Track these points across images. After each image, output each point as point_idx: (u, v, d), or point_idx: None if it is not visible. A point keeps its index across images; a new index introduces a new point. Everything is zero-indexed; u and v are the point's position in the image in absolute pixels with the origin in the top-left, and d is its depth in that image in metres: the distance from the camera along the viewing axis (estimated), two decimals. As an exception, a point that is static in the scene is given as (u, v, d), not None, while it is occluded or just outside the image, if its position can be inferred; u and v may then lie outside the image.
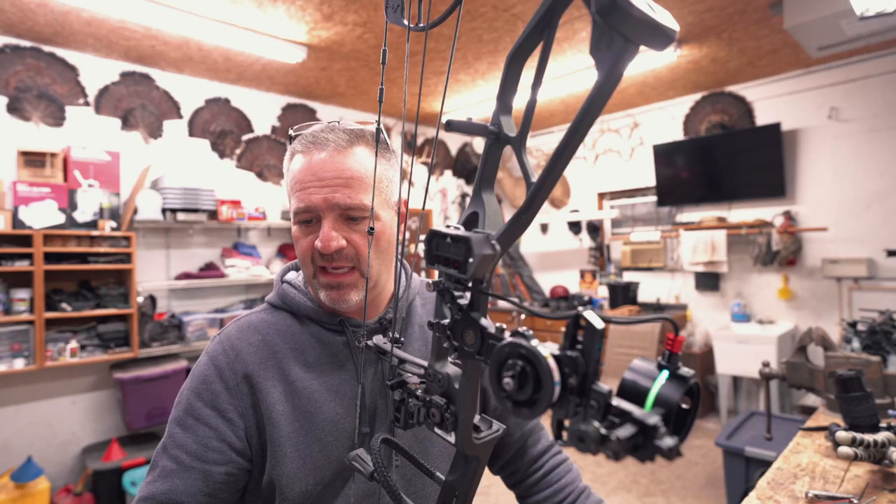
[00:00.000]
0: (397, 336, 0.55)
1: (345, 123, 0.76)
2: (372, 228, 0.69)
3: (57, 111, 3.11)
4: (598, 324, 0.29)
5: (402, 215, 0.68)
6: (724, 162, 4.14)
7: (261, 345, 0.75)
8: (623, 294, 4.52)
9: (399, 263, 0.65)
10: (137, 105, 3.42)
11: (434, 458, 0.79)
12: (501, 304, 4.72)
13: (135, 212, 3.13)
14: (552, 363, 0.29)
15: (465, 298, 0.38)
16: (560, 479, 0.89)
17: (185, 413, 0.72)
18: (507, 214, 3.44)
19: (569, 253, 5.37)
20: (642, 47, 0.27)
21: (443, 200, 5.47)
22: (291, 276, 0.85)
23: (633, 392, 0.31)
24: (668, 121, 4.59)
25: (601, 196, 5.17)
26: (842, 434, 1.07)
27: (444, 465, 0.79)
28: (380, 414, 0.76)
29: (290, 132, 0.78)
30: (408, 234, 4.32)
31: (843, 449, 1.05)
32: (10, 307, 2.77)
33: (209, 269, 3.59)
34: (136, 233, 3.24)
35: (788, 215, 3.91)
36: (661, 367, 0.32)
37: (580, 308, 0.30)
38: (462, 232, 0.36)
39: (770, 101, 4.04)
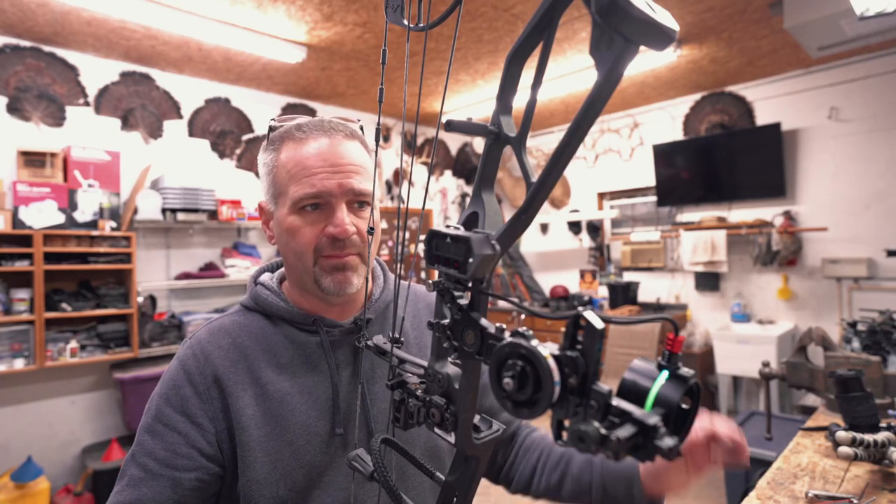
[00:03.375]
0: (397, 336, 0.55)
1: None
2: (372, 228, 0.69)
3: (57, 111, 3.11)
4: (598, 324, 0.29)
5: (402, 215, 0.68)
6: (724, 162, 4.14)
7: (231, 348, 0.74)
8: (623, 294, 4.52)
9: (399, 266, 0.65)
10: (137, 105, 3.42)
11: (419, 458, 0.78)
12: (501, 304, 4.72)
13: (135, 212, 3.13)
14: (552, 363, 0.29)
15: (465, 298, 0.38)
16: (534, 443, 0.90)
17: (154, 419, 0.70)
18: (507, 214, 3.43)
19: (569, 253, 5.37)
20: (642, 47, 0.27)
21: (443, 200, 5.47)
22: (265, 277, 0.84)
23: (633, 392, 0.31)
24: (668, 121, 4.59)
25: (601, 196, 5.17)
26: (842, 434, 1.07)
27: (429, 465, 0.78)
28: (356, 416, 0.74)
29: (272, 123, 0.77)
30: (408, 234, 4.33)
31: (843, 449, 1.05)
32: (10, 307, 2.77)
33: (209, 269, 3.59)
34: (136, 233, 3.24)
35: (788, 215, 3.91)
36: (661, 367, 0.32)
37: (580, 308, 0.30)
38: (462, 232, 0.36)
39: (770, 101, 4.04)
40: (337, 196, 0.71)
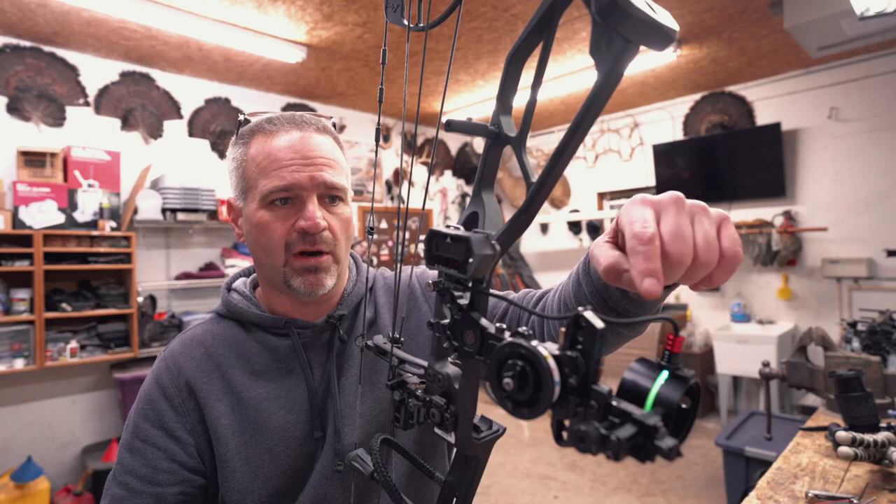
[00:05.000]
0: (397, 336, 0.55)
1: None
2: (372, 229, 0.68)
3: (57, 111, 3.11)
4: (599, 324, 0.29)
5: (402, 215, 0.68)
6: (724, 162, 4.14)
7: (203, 358, 0.73)
8: (623, 294, 4.52)
9: (399, 266, 0.64)
10: (137, 105, 3.43)
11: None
12: (501, 304, 4.71)
13: (135, 212, 3.13)
14: (552, 363, 0.29)
15: (464, 298, 0.38)
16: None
17: (133, 436, 0.69)
18: (507, 214, 3.44)
19: (569, 253, 5.37)
20: (642, 47, 0.27)
21: (443, 200, 5.47)
22: (238, 283, 0.82)
23: (633, 392, 0.31)
24: (668, 121, 4.59)
25: (601, 196, 5.17)
26: (842, 434, 1.07)
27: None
28: (331, 416, 0.72)
29: (241, 118, 0.76)
30: (408, 234, 4.32)
31: (843, 449, 1.05)
32: (10, 307, 2.77)
33: (209, 269, 3.59)
34: (136, 233, 3.24)
35: (788, 215, 3.91)
36: (661, 367, 0.32)
37: (580, 308, 0.30)
38: (462, 232, 0.36)
39: (770, 101, 4.04)
40: (308, 189, 0.69)
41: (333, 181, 0.70)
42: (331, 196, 0.72)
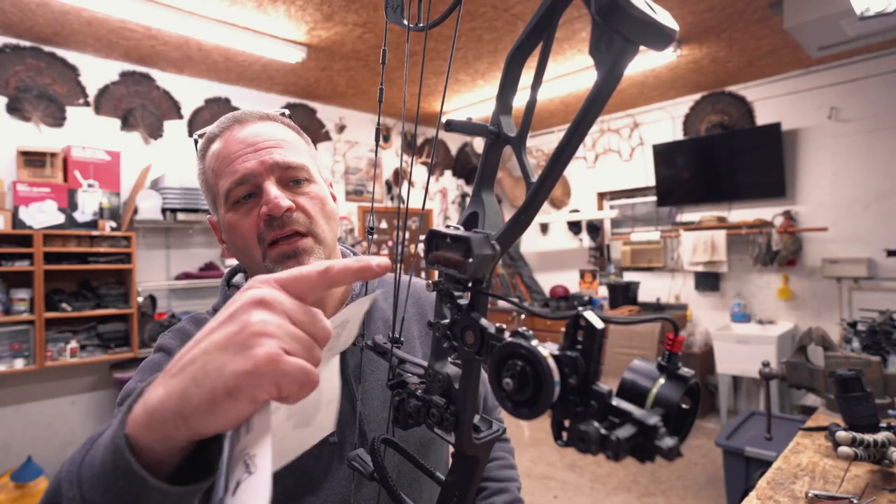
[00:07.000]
0: (397, 336, 0.54)
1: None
2: (372, 229, 0.67)
3: (57, 111, 3.11)
4: (598, 324, 0.29)
5: (402, 215, 0.67)
6: (724, 162, 4.14)
7: None
8: (623, 294, 4.52)
9: (399, 266, 0.64)
10: (137, 105, 3.42)
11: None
12: (501, 304, 4.72)
13: (135, 212, 3.13)
14: (552, 363, 0.29)
15: (464, 298, 0.38)
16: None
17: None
18: (507, 214, 3.43)
19: (569, 253, 5.37)
20: (642, 47, 0.27)
21: (443, 200, 5.47)
22: (238, 278, 0.79)
23: (633, 392, 0.31)
24: (668, 121, 4.59)
25: (601, 196, 5.17)
26: (842, 434, 1.07)
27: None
28: (342, 420, 0.69)
29: (195, 136, 0.75)
30: (407, 234, 4.32)
31: (843, 449, 1.05)
32: (10, 307, 2.77)
33: (209, 269, 3.59)
34: (136, 233, 3.24)
35: (788, 215, 3.91)
36: (661, 367, 0.32)
37: (580, 308, 0.30)
38: (462, 232, 0.36)
39: (770, 101, 4.04)
40: (261, 174, 0.66)
41: (287, 160, 0.67)
42: (294, 179, 0.69)
